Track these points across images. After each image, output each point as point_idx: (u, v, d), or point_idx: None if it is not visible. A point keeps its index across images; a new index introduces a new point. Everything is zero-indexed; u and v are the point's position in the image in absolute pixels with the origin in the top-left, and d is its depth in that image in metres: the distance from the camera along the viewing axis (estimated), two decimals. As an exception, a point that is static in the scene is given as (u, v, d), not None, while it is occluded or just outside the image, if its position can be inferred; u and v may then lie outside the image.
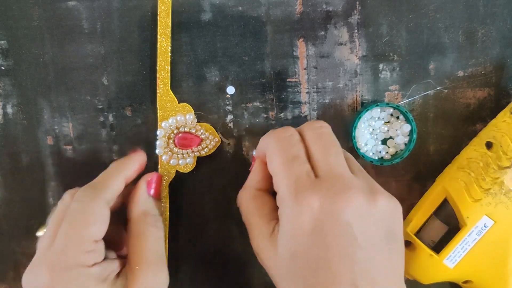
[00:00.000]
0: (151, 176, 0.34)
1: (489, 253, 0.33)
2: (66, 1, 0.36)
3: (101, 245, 0.30)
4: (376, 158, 0.37)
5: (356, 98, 0.37)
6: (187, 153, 0.36)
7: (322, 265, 0.26)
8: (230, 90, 0.37)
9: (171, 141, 0.35)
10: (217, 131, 0.36)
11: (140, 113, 0.37)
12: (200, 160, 0.37)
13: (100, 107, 0.37)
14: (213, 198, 0.38)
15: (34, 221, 0.38)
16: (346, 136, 0.37)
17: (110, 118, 0.37)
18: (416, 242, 0.34)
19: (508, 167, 0.32)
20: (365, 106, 0.37)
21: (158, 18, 0.35)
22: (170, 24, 0.35)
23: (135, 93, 0.37)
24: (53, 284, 0.27)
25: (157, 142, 0.35)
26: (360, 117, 0.35)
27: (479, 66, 0.36)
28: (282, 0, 0.36)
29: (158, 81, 0.35)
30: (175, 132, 0.35)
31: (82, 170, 0.38)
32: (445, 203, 0.35)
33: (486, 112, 0.37)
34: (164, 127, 0.35)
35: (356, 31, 0.36)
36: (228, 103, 0.37)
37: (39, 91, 0.37)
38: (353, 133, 0.35)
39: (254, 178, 0.32)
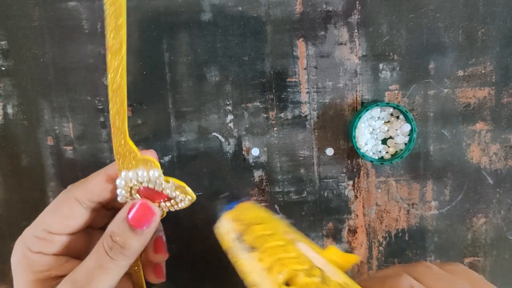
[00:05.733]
0: (136, 202, 0.30)
1: None
2: (67, 1, 0.36)
3: (56, 239, 0.30)
4: (376, 158, 0.37)
5: (356, 98, 0.37)
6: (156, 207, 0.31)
7: None
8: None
9: (133, 191, 0.30)
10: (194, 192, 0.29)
11: (140, 113, 0.37)
12: (199, 159, 0.36)
13: (100, 107, 0.37)
14: (213, 198, 0.38)
15: (34, 222, 0.38)
16: (346, 136, 0.37)
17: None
18: None
19: None
20: (365, 105, 0.37)
21: (106, 24, 0.26)
22: (125, 36, 0.26)
23: (135, 93, 0.37)
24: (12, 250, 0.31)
25: (118, 191, 0.30)
26: (360, 117, 0.35)
27: (479, 65, 0.36)
28: (282, 0, 0.36)
29: (113, 129, 0.28)
30: (137, 186, 0.30)
31: (82, 171, 0.38)
32: None
33: (486, 112, 0.37)
34: (125, 178, 0.29)
35: (356, 30, 0.36)
36: (228, 103, 0.37)
37: (39, 91, 0.37)
38: (353, 133, 0.35)
39: None
